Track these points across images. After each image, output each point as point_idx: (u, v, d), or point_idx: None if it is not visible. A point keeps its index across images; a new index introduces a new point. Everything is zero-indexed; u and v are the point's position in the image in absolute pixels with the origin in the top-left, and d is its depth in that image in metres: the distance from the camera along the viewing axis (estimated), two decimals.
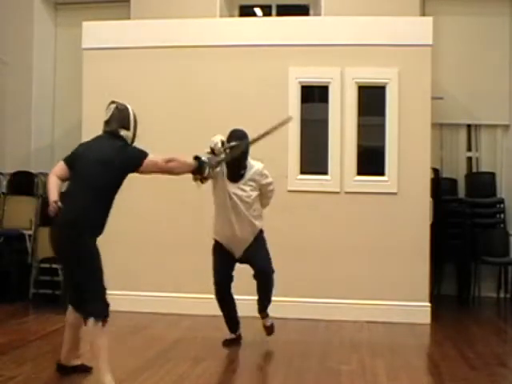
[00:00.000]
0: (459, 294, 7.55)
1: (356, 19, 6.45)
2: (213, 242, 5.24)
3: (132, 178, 6.26)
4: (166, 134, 6.41)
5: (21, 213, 7.30)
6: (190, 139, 6.42)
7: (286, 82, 6.43)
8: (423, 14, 7.60)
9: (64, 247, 4.05)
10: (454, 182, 7.94)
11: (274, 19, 7.67)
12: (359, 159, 6.38)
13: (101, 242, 6.30)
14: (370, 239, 6.28)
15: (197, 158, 4.54)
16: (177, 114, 6.58)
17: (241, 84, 6.51)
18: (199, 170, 4.54)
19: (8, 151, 8.07)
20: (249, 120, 6.16)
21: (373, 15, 6.52)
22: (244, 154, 5.11)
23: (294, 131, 6.41)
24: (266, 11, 8.21)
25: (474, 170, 8.01)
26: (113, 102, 4.32)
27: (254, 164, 5.17)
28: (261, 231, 5.25)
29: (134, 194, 6.44)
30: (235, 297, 5.25)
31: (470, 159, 8.03)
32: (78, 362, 4.37)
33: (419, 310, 6.17)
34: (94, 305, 3.96)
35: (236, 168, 5.08)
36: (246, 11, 8.28)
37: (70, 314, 4.21)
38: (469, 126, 8.01)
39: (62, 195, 4.06)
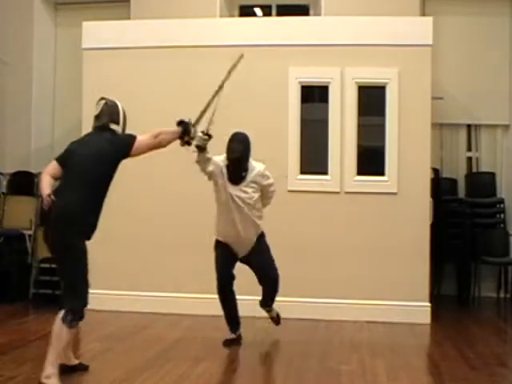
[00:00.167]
0: (459, 294, 7.55)
1: (356, 19, 6.45)
2: (214, 241, 5.26)
3: (132, 178, 6.30)
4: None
5: (21, 213, 7.30)
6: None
7: (286, 82, 6.43)
8: (423, 14, 7.60)
9: (56, 241, 4.08)
10: (454, 181, 7.95)
11: (274, 19, 7.67)
12: (359, 159, 6.38)
13: (101, 242, 6.29)
14: (370, 239, 6.28)
15: (180, 123, 4.56)
16: (177, 113, 6.53)
17: (241, 84, 6.49)
18: (186, 132, 4.56)
19: (8, 151, 8.07)
20: (249, 120, 6.17)
21: (373, 15, 6.52)
22: (245, 157, 5.13)
23: (293, 131, 6.41)
24: (266, 11, 8.21)
25: (474, 170, 8.01)
26: (102, 99, 4.40)
27: (256, 165, 5.19)
28: (263, 235, 5.29)
29: (134, 194, 6.47)
30: (237, 301, 5.27)
31: (469, 159, 8.03)
32: (76, 362, 4.40)
33: (419, 310, 6.17)
34: (71, 300, 3.97)
35: (237, 170, 5.11)
36: (246, 11, 8.28)
37: None
38: (469, 125, 8.01)
39: (56, 191, 4.10)
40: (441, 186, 7.63)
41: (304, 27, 6.54)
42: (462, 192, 7.93)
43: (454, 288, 7.61)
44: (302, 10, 8.17)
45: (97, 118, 4.34)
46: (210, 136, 4.93)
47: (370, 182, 6.34)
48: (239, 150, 5.09)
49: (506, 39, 7.83)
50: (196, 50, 6.51)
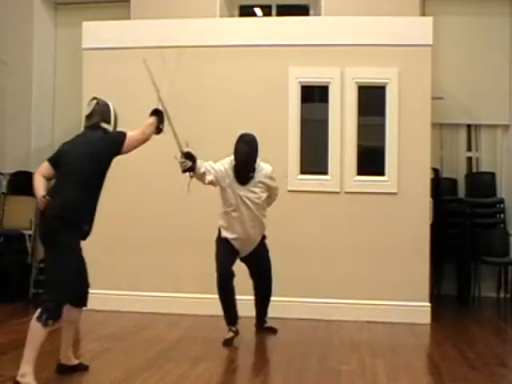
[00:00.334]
0: (459, 294, 7.55)
1: (356, 19, 6.45)
2: (217, 235, 5.32)
3: (132, 178, 6.31)
4: (166, 133, 6.39)
5: (21, 213, 7.30)
6: (190, 139, 6.42)
7: (286, 82, 6.43)
8: (423, 14, 7.60)
9: (47, 236, 4.10)
10: (454, 181, 7.95)
11: (274, 19, 7.67)
12: (359, 159, 6.38)
13: (101, 242, 6.31)
14: (370, 239, 6.28)
15: (153, 113, 4.59)
16: (176, 113, 6.56)
17: (241, 84, 6.51)
18: (160, 120, 4.61)
19: (8, 151, 8.07)
20: (249, 120, 6.18)
21: (373, 15, 6.52)
22: (252, 157, 5.21)
23: (293, 131, 6.42)
24: (266, 11, 8.21)
25: (474, 170, 8.01)
26: (94, 98, 4.44)
27: (264, 166, 5.30)
28: (265, 236, 5.40)
29: (134, 194, 6.47)
30: (236, 296, 5.28)
31: (470, 159, 8.03)
32: (76, 362, 4.40)
33: (419, 310, 6.17)
34: (48, 299, 3.96)
35: (245, 171, 5.20)
36: (246, 11, 8.28)
37: (66, 311, 4.20)
38: (469, 125, 8.01)
39: (50, 191, 4.14)
40: (441, 186, 7.63)
41: (304, 27, 6.54)
42: (462, 192, 7.93)
43: (454, 288, 7.62)
44: (302, 10, 8.16)
45: (88, 117, 4.38)
46: (188, 155, 5.00)
47: (370, 181, 6.34)
48: (246, 151, 5.18)
49: (506, 39, 7.83)
50: (196, 50, 6.51)
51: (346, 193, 6.37)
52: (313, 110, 6.64)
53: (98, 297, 5.73)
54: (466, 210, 7.68)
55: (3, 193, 7.78)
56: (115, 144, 4.27)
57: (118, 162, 4.36)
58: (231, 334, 5.27)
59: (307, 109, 6.52)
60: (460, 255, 7.52)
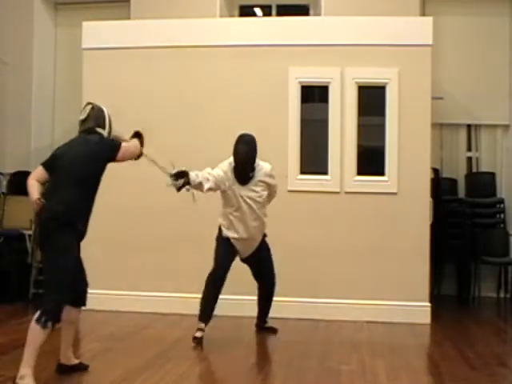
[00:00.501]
0: (459, 294, 7.55)
1: (356, 19, 6.45)
2: (217, 232, 5.33)
3: (132, 178, 6.30)
4: (166, 133, 6.41)
5: (21, 213, 7.29)
6: (190, 139, 6.44)
7: (286, 82, 6.43)
8: (423, 14, 7.60)
9: (44, 238, 4.11)
10: (454, 181, 7.95)
11: (274, 19, 7.67)
12: (359, 159, 6.38)
13: (101, 242, 6.32)
14: (369, 239, 6.28)
15: (134, 135, 4.58)
16: (177, 113, 6.58)
17: (241, 84, 6.51)
18: (141, 142, 4.61)
19: (8, 151, 8.07)
20: (249, 120, 6.18)
21: (373, 15, 6.52)
22: (251, 157, 5.22)
23: (293, 131, 6.41)
24: (266, 11, 8.21)
25: (474, 170, 8.01)
26: (89, 104, 4.46)
27: (263, 165, 5.32)
28: (265, 235, 5.41)
29: (134, 194, 6.46)
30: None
31: (470, 159, 8.03)
32: (76, 362, 4.40)
33: (419, 310, 6.17)
34: (47, 301, 3.96)
35: (245, 171, 5.22)
36: (246, 11, 8.29)
37: (66, 311, 4.20)
38: (469, 125, 8.01)
39: (45, 193, 4.15)
40: (441, 186, 7.63)
41: (304, 27, 6.54)
42: (462, 192, 7.93)
43: (454, 288, 7.62)
44: (302, 10, 8.17)
45: (83, 122, 4.40)
46: (177, 175, 5.00)
47: (370, 181, 6.34)
48: (245, 151, 5.20)
49: (506, 39, 7.83)
50: (196, 50, 6.51)
51: (346, 193, 6.37)
52: (313, 110, 6.64)
53: (98, 297, 5.74)
54: (466, 210, 7.68)
55: (3, 193, 7.78)
56: (111, 149, 4.29)
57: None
58: (202, 332, 5.18)
59: (307, 109, 6.52)
60: (460, 255, 7.52)
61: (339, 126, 6.38)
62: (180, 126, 6.52)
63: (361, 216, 6.32)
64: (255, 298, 5.67)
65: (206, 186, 5.09)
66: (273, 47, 6.44)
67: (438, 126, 7.74)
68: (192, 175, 5.03)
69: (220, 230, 5.35)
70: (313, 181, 6.39)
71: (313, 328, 5.94)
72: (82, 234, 4.21)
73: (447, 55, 7.61)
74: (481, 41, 7.81)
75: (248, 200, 5.22)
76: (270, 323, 5.72)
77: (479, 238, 7.53)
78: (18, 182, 7.80)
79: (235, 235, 5.27)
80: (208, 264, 5.27)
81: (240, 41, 6.49)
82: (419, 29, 6.33)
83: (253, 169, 5.25)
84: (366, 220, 6.32)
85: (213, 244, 5.35)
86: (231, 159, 5.27)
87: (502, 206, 7.80)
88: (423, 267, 6.23)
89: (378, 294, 6.23)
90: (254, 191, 5.24)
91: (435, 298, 6.90)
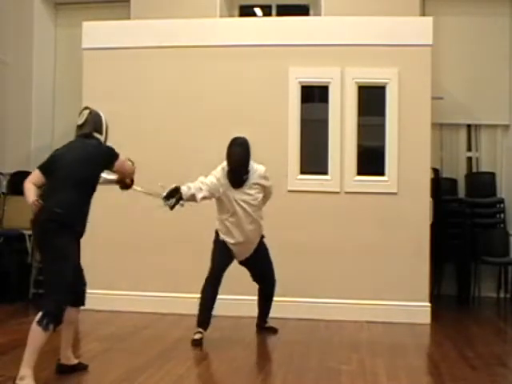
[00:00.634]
0: (459, 294, 7.55)
1: (356, 19, 6.45)
2: (214, 235, 5.33)
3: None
4: (166, 133, 6.42)
5: (21, 213, 7.26)
6: (190, 139, 6.44)
7: (286, 82, 6.43)
8: (423, 14, 7.60)
9: (43, 239, 4.11)
10: (454, 181, 7.95)
11: (274, 19, 7.67)
12: (359, 159, 6.38)
13: (101, 242, 6.31)
14: (370, 239, 6.28)
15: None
16: (176, 113, 6.58)
17: (241, 84, 6.51)
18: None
19: (8, 151, 8.07)
20: (249, 120, 6.19)
21: (373, 15, 6.51)
22: (245, 160, 5.20)
23: (293, 131, 6.41)
24: (266, 11, 8.21)
25: (474, 170, 8.01)
26: (86, 108, 4.48)
27: (257, 167, 5.28)
28: (263, 236, 5.39)
29: (134, 194, 6.45)
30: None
31: (470, 159, 8.03)
32: (76, 361, 4.40)
33: (419, 310, 6.17)
34: (49, 303, 3.96)
35: (239, 173, 5.19)
36: (246, 11, 8.29)
37: (65, 311, 4.20)
38: (469, 125, 8.01)
39: (42, 195, 4.14)
40: (441, 186, 7.63)
41: (304, 27, 6.54)
42: (462, 192, 7.93)
43: (454, 288, 7.61)
44: (302, 10, 8.16)
45: (80, 127, 4.41)
46: (169, 195, 5.02)
47: (370, 181, 6.34)
48: (239, 154, 5.18)
49: (506, 39, 7.83)
50: (196, 50, 6.51)
51: (346, 193, 6.36)
52: (313, 110, 6.64)
53: (98, 297, 5.75)
54: (465, 210, 7.68)
55: (3, 193, 7.78)
56: (109, 155, 4.32)
57: None
58: (200, 336, 5.18)
59: (307, 109, 6.52)
60: (460, 255, 7.52)
61: (339, 125, 6.38)
62: (180, 126, 6.52)
63: (361, 216, 6.32)
64: (255, 297, 5.67)
65: (200, 195, 5.10)
66: (273, 47, 6.44)
67: (438, 126, 7.74)
68: (184, 189, 5.05)
69: (217, 233, 5.35)
70: (313, 181, 6.39)
71: (313, 328, 5.94)
72: (80, 235, 4.22)
73: (447, 55, 7.61)
74: (481, 41, 7.81)
75: (243, 204, 5.18)
76: (270, 323, 5.72)
77: (479, 238, 7.54)
78: (18, 182, 7.75)
79: (232, 240, 5.26)
80: (208, 264, 5.27)
81: (240, 41, 6.49)
82: (419, 29, 6.33)
83: (247, 171, 5.21)
84: (366, 220, 6.31)
85: (212, 244, 5.35)
86: (224, 164, 5.24)
87: (501, 205, 7.80)
88: (423, 267, 6.23)
89: (378, 294, 6.23)
90: (248, 194, 5.21)
91: (435, 297, 6.90)
